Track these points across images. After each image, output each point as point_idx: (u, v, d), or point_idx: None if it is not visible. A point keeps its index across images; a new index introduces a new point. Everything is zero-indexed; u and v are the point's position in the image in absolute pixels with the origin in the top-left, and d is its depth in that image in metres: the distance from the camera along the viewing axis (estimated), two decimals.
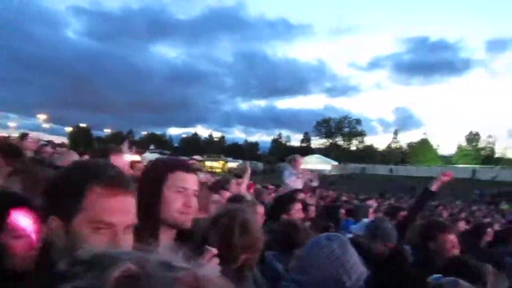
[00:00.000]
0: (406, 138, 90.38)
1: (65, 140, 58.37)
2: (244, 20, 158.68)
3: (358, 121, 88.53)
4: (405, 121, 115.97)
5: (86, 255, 0.54)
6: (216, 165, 55.58)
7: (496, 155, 76.96)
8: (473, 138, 78.81)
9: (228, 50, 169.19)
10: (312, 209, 5.68)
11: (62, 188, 1.18)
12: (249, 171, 5.82)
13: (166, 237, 1.64)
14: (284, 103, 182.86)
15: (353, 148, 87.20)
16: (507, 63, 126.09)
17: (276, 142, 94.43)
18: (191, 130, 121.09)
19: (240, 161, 65.64)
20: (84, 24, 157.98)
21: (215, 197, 3.51)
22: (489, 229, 5.97)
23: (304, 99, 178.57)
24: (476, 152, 76.42)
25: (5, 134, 20.75)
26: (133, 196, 1.20)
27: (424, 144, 77.94)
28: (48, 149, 6.56)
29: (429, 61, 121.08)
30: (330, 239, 1.75)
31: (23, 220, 1.46)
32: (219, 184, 4.95)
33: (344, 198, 13.16)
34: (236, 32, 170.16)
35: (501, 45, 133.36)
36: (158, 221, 1.62)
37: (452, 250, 3.23)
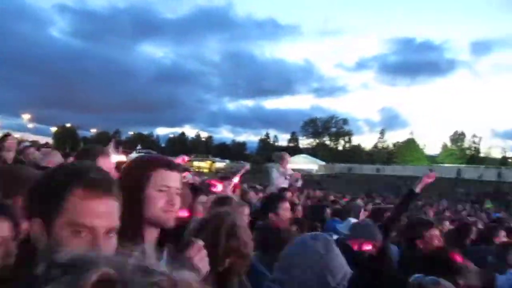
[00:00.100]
0: (392, 138, 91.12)
1: (50, 140, 57.50)
2: (232, 20, 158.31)
3: (345, 121, 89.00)
4: (391, 121, 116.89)
5: (63, 258, 0.53)
6: (204, 165, 55.38)
7: (481, 155, 78.07)
8: (458, 138, 79.78)
9: (215, 49, 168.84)
10: (299, 208, 5.70)
11: (43, 190, 1.17)
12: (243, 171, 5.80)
13: (150, 235, 1.63)
14: (272, 103, 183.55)
15: (340, 148, 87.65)
16: (491, 64, 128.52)
17: (263, 142, 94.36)
18: (178, 130, 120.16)
19: (227, 161, 65.65)
20: (69, 23, 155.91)
21: (202, 198, 3.50)
22: (473, 228, 6.05)
23: (292, 99, 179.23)
24: (461, 151, 77.38)
25: None
26: (116, 199, 1.18)
27: (410, 144, 78.63)
28: (32, 150, 6.48)
29: (415, 62, 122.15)
30: (314, 238, 1.75)
31: None
32: (207, 185, 4.95)
33: (331, 198, 13.21)
34: (224, 32, 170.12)
35: (485, 47, 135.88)
36: (141, 220, 1.60)
37: (437, 245, 3.29)
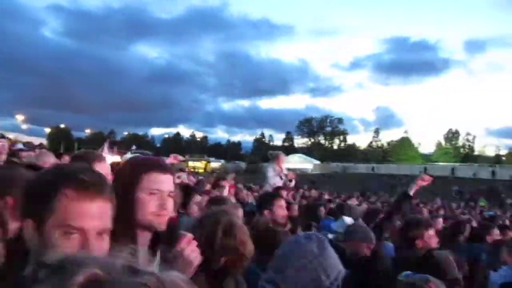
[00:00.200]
0: (387, 137, 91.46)
1: (44, 141, 57.29)
2: (226, 20, 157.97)
3: (340, 120, 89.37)
4: (386, 120, 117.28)
5: (52, 259, 0.53)
6: (199, 165, 55.34)
7: (475, 153, 78.55)
8: (452, 136, 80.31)
9: (210, 50, 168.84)
10: (294, 207, 5.70)
11: (35, 191, 1.17)
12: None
13: (143, 239, 1.62)
14: (267, 103, 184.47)
15: (335, 147, 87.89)
16: (485, 63, 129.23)
17: (258, 142, 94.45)
18: (173, 130, 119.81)
19: (223, 161, 65.65)
20: (63, 23, 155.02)
21: (197, 198, 3.50)
22: (467, 226, 6.08)
23: (287, 99, 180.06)
24: (455, 150, 77.86)
25: None
26: (108, 201, 1.17)
27: (405, 143, 79.00)
28: (25, 154, 6.44)
29: (409, 61, 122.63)
30: (308, 238, 1.74)
31: None
32: (202, 184, 4.95)
33: (326, 197, 13.23)
34: (218, 32, 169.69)
35: (479, 46, 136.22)
36: (133, 223, 1.59)
37: (434, 245, 3.31)
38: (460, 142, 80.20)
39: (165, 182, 1.63)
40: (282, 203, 4.11)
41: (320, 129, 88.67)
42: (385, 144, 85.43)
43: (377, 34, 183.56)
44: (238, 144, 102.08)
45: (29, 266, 0.50)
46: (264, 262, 2.10)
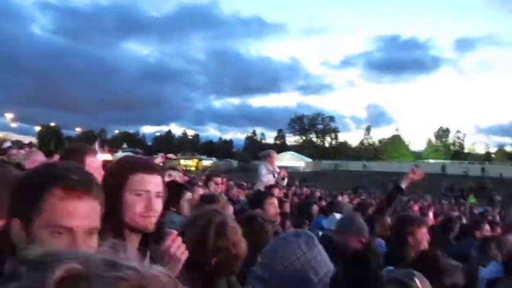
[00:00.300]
0: (378, 135, 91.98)
1: (34, 139, 56.64)
2: (217, 18, 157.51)
3: (331, 118, 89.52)
4: (377, 118, 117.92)
5: (31, 254, 0.53)
6: (191, 163, 55.13)
7: (465, 150, 79.26)
8: (442, 134, 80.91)
9: (201, 47, 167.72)
10: (286, 205, 5.71)
11: (23, 190, 1.16)
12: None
13: (132, 239, 1.61)
14: (258, 101, 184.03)
15: (326, 144, 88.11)
16: (475, 62, 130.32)
17: (250, 140, 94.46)
18: (164, 128, 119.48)
19: (214, 159, 65.49)
20: (51, 20, 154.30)
21: (188, 195, 3.49)
22: (457, 223, 6.14)
23: (278, 97, 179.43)
24: (446, 147, 78.48)
25: None
26: (96, 200, 1.16)
27: (396, 140, 79.47)
28: (15, 151, 6.39)
29: (400, 59, 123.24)
30: (296, 235, 1.74)
31: None
32: (194, 181, 4.93)
33: (317, 195, 13.27)
34: (209, 30, 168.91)
35: (469, 44, 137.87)
36: (122, 224, 1.57)
37: (425, 242, 3.33)
38: (450, 139, 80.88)
39: (152, 183, 1.61)
40: (274, 201, 4.12)
41: (311, 127, 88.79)
42: (376, 142, 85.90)
43: (368, 33, 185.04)
44: (230, 142, 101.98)
45: (8, 261, 0.50)
46: (253, 259, 2.10)
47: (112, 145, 44.52)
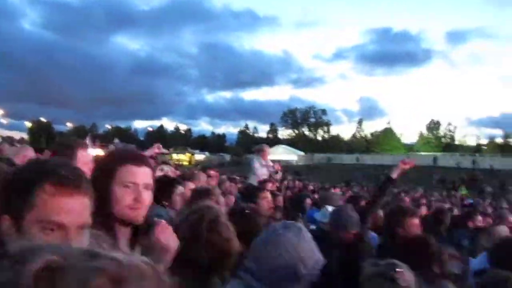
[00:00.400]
0: (370, 128, 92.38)
1: (25, 135, 56.26)
2: (209, 11, 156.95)
3: (323, 111, 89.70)
4: (369, 111, 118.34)
5: (13, 249, 0.53)
6: (183, 157, 54.99)
7: (456, 143, 79.89)
8: (434, 126, 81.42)
9: (192, 41, 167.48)
10: (279, 199, 5.73)
11: (13, 186, 1.15)
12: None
13: (122, 231, 1.60)
14: (250, 95, 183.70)
15: (319, 138, 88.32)
16: (466, 54, 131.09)
17: (243, 134, 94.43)
18: (156, 123, 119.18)
19: (207, 153, 65.41)
20: (40, 15, 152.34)
21: (180, 189, 3.48)
22: (448, 214, 6.19)
23: (270, 91, 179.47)
24: (437, 139, 79.02)
25: None
26: (87, 196, 1.16)
27: (387, 133, 79.90)
28: (7, 147, 6.33)
29: (392, 52, 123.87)
30: (285, 227, 1.74)
31: None
32: (186, 176, 4.91)
33: (310, 188, 13.31)
34: (201, 23, 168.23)
35: (460, 37, 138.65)
36: (111, 217, 1.56)
37: (416, 233, 3.35)
38: (442, 132, 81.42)
39: (141, 175, 1.60)
40: (267, 195, 4.13)
41: (304, 120, 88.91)
42: (369, 135, 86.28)
43: (360, 25, 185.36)
44: (223, 136, 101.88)
45: None
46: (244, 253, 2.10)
47: (103, 140, 44.24)
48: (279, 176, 7.60)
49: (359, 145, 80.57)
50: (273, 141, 74.02)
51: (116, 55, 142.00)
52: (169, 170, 4.91)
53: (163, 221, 1.60)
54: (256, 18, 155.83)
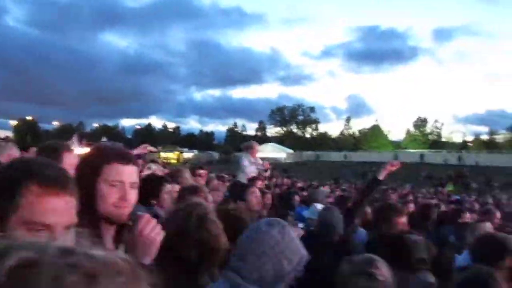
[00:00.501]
0: (358, 125, 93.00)
1: (10, 134, 55.42)
2: (197, 8, 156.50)
3: (312, 109, 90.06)
4: (357, 108, 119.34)
5: None
6: (171, 156, 54.77)
7: (443, 139, 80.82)
8: (420, 123, 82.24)
9: (181, 39, 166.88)
10: (268, 196, 5.73)
11: None
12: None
13: (107, 231, 1.59)
14: (239, 92, 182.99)
15: (307, 135, 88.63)
16: (452, 52, 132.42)
17: (231, 132, 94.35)
18: (144, 121, 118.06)
19: (196, 151, 65.28)
20: (25, 12, 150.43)
21: (168, 187, 3.46)
22: (435, 210, 6.25)
23: (259, 88, 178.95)
24: (424, 137, 79.84)
25: None
26: (73, 196, 1.15)
27: (375, 130, 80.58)
28: None
29: (379, 49, 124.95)
30: (269, 224, 1.74)
31: None
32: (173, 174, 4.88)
33: (298, 185, 13.35)
34: (189, 21, 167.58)
35: (447, 34, 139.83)
36: (96, 216, 1.55)
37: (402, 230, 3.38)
38: (429, 129, 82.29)
39: (127, 173, 1.58)
40: (256, 191, 4.13)
41: (292, 118, 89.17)
42: (356, 132, 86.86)
43: (348, 23, 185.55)
44: (211, 134, 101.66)
45: None
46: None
47: (91, 139, 43.83)
48: (267, 174, 7.61)
49: (347, 142, 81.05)
50: (262, 139, 74.06)
51: (103, 53, 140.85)
52: (157, 169, 4.88)
53: (146, 214, 1.59)
54: (244, 15, 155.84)
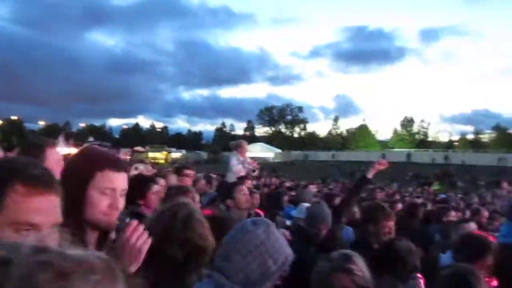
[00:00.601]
0: (346, 125, 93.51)
1: None
2: (185, 7, 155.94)
3: (300, 109, 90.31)
4: (345, 108, 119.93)
5: None
6: (159, 155, 54.54)
7: (429, 139, 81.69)
8: (408, 123, 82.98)
9: (169, 38, 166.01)
10: (256, 196, 5.73)
11: None
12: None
13: (91, 236, 1.57)
14: (227, 92, 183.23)
15: (295, 135, 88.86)
16: (439, 52, 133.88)
17: (220, 131, 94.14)
18: (132, 121, 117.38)
19: (184, 151, 65.04)
20: (10, 9, 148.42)
21: (155, 187, 3.44)
22: (421, 209, 6.33)
23: (247, 88, 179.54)
24: (411, 136, 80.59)
25: None
26: (58, 195, 1.14)
27: (363, 130, 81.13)
28: None
29: (367, 49, 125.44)
30: (254, 223, 1.74)
31: None
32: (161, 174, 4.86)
33: (287, 185, 13.36)
34: (177, 20, 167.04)
35: (433, 35, 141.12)
36: (82, 221, 1.52)
37: (388, 235, 3.40)
38: (415, 128, 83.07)
39: (119, 181, 1.57)
40: (244, 189, 4.13)
41: (280, 118, 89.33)
42: (344, 132, 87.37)
43: (336, 23, 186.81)
44: (199, 134, 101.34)
45: None
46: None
47: (77, 138, 43.44)
48: (256, 173, 7.60)
49: (335, 142, 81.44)
50: (250, 138, 73.97)
51: (90, 51, 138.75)
52: (144, 169, 4.85)
53: (134, 221, 1.58)
54: (232, 15, 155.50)
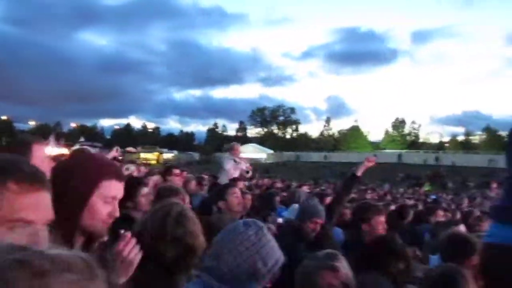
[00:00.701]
0: (338, 126, 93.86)
1: None
2: (177, 7, 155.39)
3: (292, 110, 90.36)
4: (337, 109, 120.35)
5: None
6: (151, 156, 54.27)
7: (420, 140, 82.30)
8: (399, 124, 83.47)
9: (161, 38, 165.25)
10: (248, 197, 5.73)
11: None
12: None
13: (79, 240, 1.56)
14: (220, 93, 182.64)
15: (287, 136, 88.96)
16: (430, 53, 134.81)
17: (212, 132, 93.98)
18: (123, 121, 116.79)
19: (176, 152, 64.80)
20: (0, 8, 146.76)
21: (144, 190, 3.43)
22: (411, 210, 6.38)
23: (240, 89, 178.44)
24: (402, 137, 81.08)
25: None
26: (49, 192, 1.14)
27: (354, 131, 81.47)
28: None
29: (359, 51, 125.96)
30: (246, 225, 1.74)
31: None
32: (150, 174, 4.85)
33: (278, 185, 13.37)
34: (169, 20, 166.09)
35: (425, 36, 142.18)
36: (75, 226, 1.51)
37: (381, 232, 3.42)
38: (407, 130, 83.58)
39: (120, 190, 1.59)
40: (237, 191, 4.12)
41: (273, 119, 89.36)
42: (336, 133, 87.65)
43: (329, 24, 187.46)
44: (191, 134, 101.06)
45: None
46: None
47: (68, 139, 43.13)
48: (249, 175, 7.62)
49: (327, 143, 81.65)
50: (242, 139, 73.91)
51: (81, 51, 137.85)
52: (134, 170, 4.83)
53: (128, 234, 1.58)
54: (224, 15, 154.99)
